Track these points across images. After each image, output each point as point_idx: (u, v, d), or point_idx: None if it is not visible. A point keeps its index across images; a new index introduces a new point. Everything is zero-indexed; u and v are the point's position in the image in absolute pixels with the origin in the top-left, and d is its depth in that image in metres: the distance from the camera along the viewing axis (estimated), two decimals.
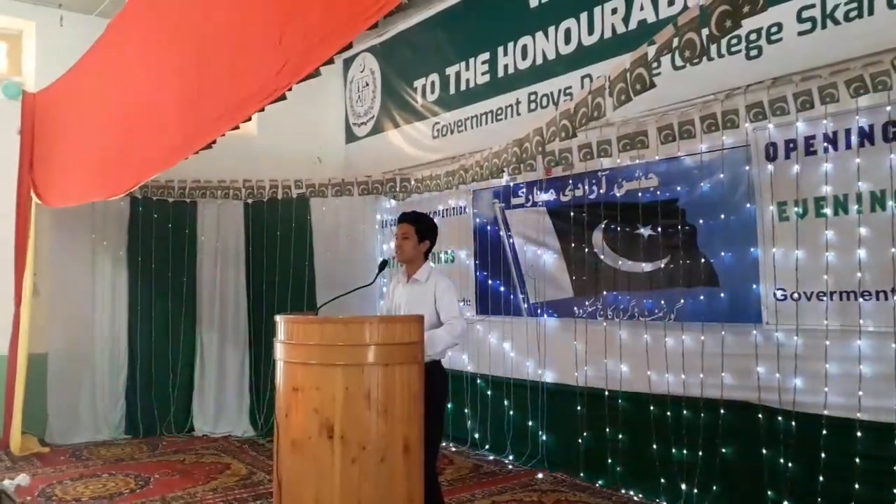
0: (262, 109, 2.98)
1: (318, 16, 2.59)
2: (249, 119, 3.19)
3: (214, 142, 3.58)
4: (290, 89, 2.75)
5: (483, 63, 6.27)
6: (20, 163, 6.31)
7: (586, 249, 5.26)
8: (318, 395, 3.06)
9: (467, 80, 6.45)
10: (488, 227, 6.13)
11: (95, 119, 5.10)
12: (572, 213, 5.36)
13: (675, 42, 2.94)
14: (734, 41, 4.37)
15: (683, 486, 4.53)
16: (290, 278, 7.19)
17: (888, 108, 3.70)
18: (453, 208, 6.55)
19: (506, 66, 6.05)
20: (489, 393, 6.05)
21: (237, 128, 3.27)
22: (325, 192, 6.86)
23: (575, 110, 3.78)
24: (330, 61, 2.61)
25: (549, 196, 5.58)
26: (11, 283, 6.18)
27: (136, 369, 6.79)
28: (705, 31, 2.72)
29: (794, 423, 4.02)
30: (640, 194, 4.91)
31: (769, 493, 4.12)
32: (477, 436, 6.11)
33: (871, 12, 3.77)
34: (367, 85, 7.83)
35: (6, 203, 6.25)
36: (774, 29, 4.19)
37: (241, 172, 6.91)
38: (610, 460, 5.02)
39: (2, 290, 6.16)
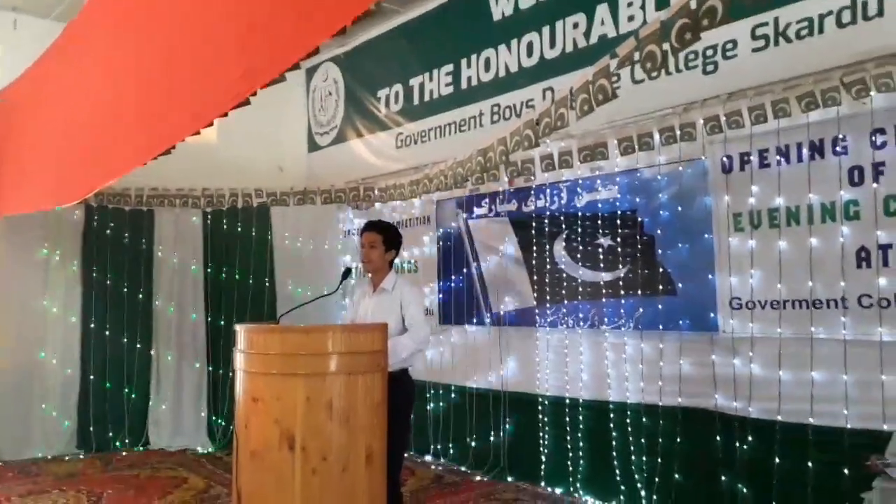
0: (226, 115, 2.94)
1: (284, 20, 2.57)
2: (211, 125, 3.15)
3: (173, 147, 3.51)
4: (254, 94, 2.72)
5: (447, 74, 6.31)
6: None
7: (547, 259, 5.31)
8: (279, 406, 3.03)
9: (431, 91, 6.49)
10: (451, 237, 6.14)
11: (49, 124, 4.97)
12: (534, 224, 5.41)
13: (637, 55, 3.01)
14: (691, 56, 4.49)
15: (643, 493, 4.59)
16: (250, 289, 7.08)
17: (837, 123, 3.83)
18: (417, 218, 6.55)
19: (469, 78, 6.11)
20: (451, 402, 6.04)
21: (197, 133, 3.22)
22: (287, 200, 6.80)
23: (538, 120, 3.83)
24: (296, 66, 2.59)
25: (511, 206, 5.63)
26: None
27: (88, 383, 6.56)
28: (666, 45, 2.79)
29: (749, 430, 4.11)
30: (599, 205, 4.99)
31: (726, 499, 4.19)
32: (439, 446, 6.09)
33: (821, 31, 3.92)
34: (330, 94, 7.80)
35: None
36: (730, 45, 4.32)
37: (200, 180, 6.80)
38: (571, 468, 5.06)
39: None
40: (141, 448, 6.62)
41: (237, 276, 7.08)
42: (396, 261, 4.11)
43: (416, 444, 6.18)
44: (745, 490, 4.12)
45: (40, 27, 6.45)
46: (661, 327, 4.59)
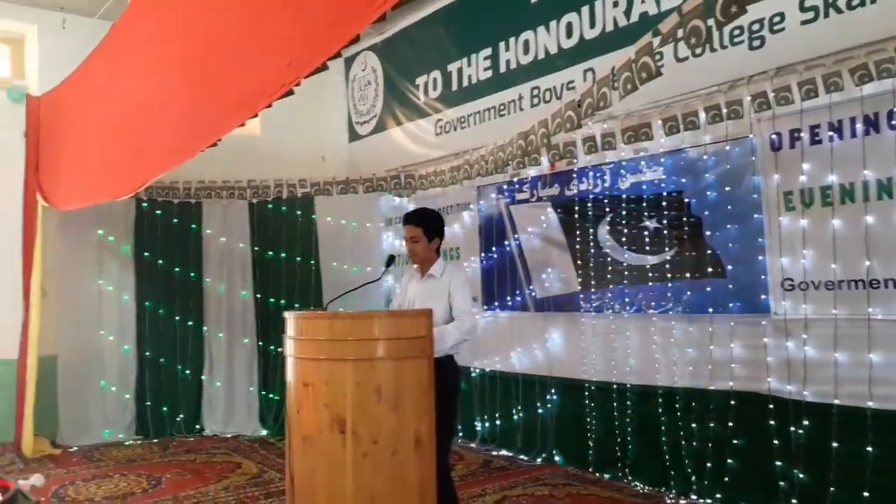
0: (270, 106, 2.98)
1: (325, 9, 2.59)
2: (256, 116, 3.20)
3: (220, 140, 3.58)
4: (297, 84, 2.76)
5: (485, 59, 6.27)
6: (26, 165, 6.34)
7: (592, 243, 5.26)
8: (329, 391, 3.07)
9: (469, 77, 6.46)
10: (493, 223, 6.13)
11: (101, 120, 5.12)
12: (577, 207, 5.36)
13: (680, 31, 2.94)
14: (737, 31, 4.37)
15: (693, 478, 4.53)
16: (296, 277, 7.22)
17: (893, 96, 3.69)
18: (458, 204, 6.56)
19: (507, 62, 6.06)
20: (497, 388, 6.05)
21: (243, 125, 3.28)
22: (330, 190, 6.88)
23: (580, 102, 3.79)
24: (337, 55, 2.61)
25: (553, 190, 5.59)
26: (19, 285, 6.20)
27: (144, 371, 6.81)
28: (710, 19, 2.72)
29: (804, 414, 4.02)
30: (644, 187, 4.92)
31: (780, 483, 4.12)
32: (486, 431, 6.11)
33: (873, 0, 3.76)
34: (370, 83, 7.84)
35: (13, 206, 6.27)
36: (777, 18, 4.19)
37: (245, 173, 6.93)
38: (619, 453, 5.03)
39: (10, 292, 6.17)
40: (196, 433, 6.82)
41: (284, 265, 7.21)
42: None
43: (462, 430, 6.22)
44: (800, 475, 4.03)
45: (87, 26, 6.63)
46: (710, 310, 4.50)
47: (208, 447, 6.35)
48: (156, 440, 6.59)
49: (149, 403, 6.77)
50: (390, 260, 4.13)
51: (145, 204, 6.89)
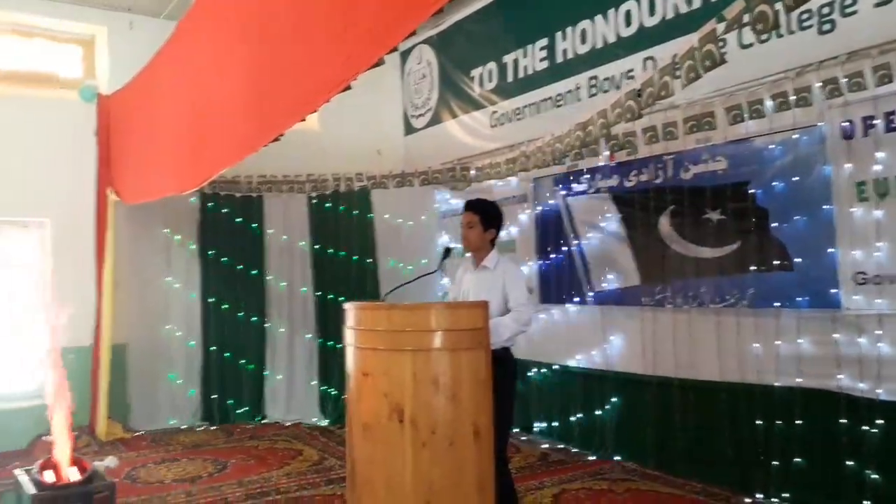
0: (328, 101, 3.03)
1: (381, 5, 2.61)
2: (315, 111, 3.25)
3: (281, 136, 3.66)
4: (355, 79, 2.79)
5: (541, 49, 6.22)
6: (98, 162, 6.61)
7: (653, 236, 5.16)
8: (387, 380, 3.11)
9: (525, 67, 6.42)
10: (550, 215, 6.08)
11: (167, 117, 5.29)
12: (638, 199, 5.26)
13: (746, 17, 2.85)
14: (805, 16, 4.20)
15: (758, 476, 4.41)
16: (354, 268, 7.33)
17: None
18: (514, 197, 6.53)
19: (564, 52, 5.99)
20: (555, 382, 6.02)
21: (303, 120, 3.34)
22: (387, 183, 6.94)
23: (640, 91, 3.71)
24: (394, 49, 2.63)
25: (613, 182, 5.50)
26: (93, 276, 6.49)
27: (209, 359, 7.04)
28: (778, 4, 2.62)
29: (877, 413, 3.86)
30: (707, 178, 4.79)
31: (851, 483, 3.97)
32: (544, 424, 6.09)
33: None
34: (424, 77, 7.87)
35: (87, 200, 6.55)
36: (849, 1, 4.01)
37: (304, 167, 7.06)
38: (680, 449, 4.93)
39: (86, 282, 6.46)
40: (259, 421, 7.01)
41: (341, 259, 7.33)
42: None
43: (519, 423, 6.21)
44: (873, 476, 3.88)
45: (153, 26, 6.85)
46: (776, 304, 4.36)
47: (270, 434, 6.53)
48: (220, 426, 6.82)
49: (214, 396, 6.99)
50: (446, 252, 4.15)
51: (210, 204, 7.10)
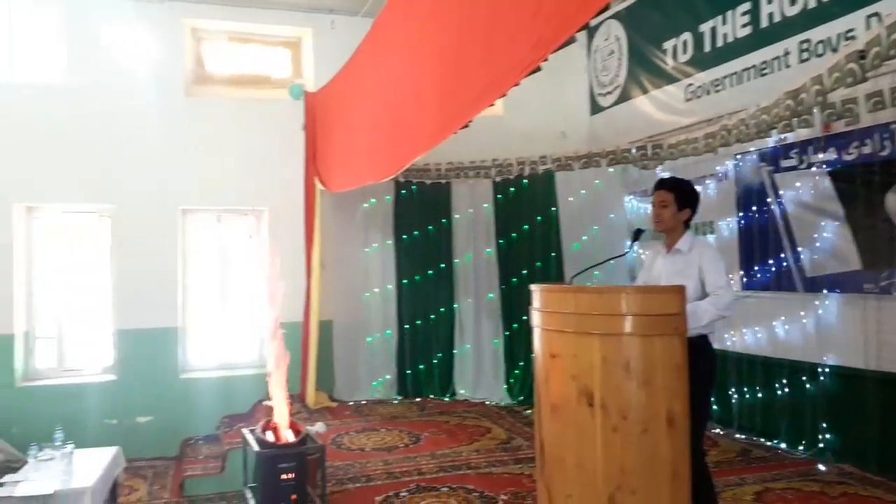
0: (518, 84, 3.04)
1: None
2: (504, 96, 3.28)
3: (471, 122, 3.74)
4: (546, 59, 2.77)
5: (743, 14, 5.74)
6: (305, 155, 7.22)
7: (877, 215, 4.58)
8: (576, 363, 3.07)
9: (725, 35, 5.97)
10: (753, 194, 5.62)
11: (365, 110, 5.64)
12: (859, 174, 4.69)
13: None
14: None
15: None
16: (538, 251, 7.36)
17: None
18: (712, 174, 6.12)
19: (770, 15, 5.48)
20: (758, 374, 5.59)
21: (492, 105, 3.39)
22: (572, 165, 6.84)
23: (864, 52, 3.30)
24: (585, 26, 2.57)
25: (828, 156, 4.95)
26: (303, 258, 7.13)
27: (403, 337, 7.47)
28: None
29: None
30: None
31: None
32: (744, 418, 5.69)
33: None
34: (612, 53, 7.62)
35: (296, 190, 7.19)
36: None
37: (489, 152, 7.18)
38: None
39: (296, 264, 7.11)
40: (449, 397, 7.30)
41: (527, 241, 7.39)
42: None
43: (717, 415, 5.87)
44: None
45: (353, 24, 7.31)
46: None
47: (460, 410, 6.78)
48: (414, 400, 7.21)
49: (408, 371, 7.41)
50: (637, 233, 3.99)
51: (403, 191, 7.51)
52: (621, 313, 3.03)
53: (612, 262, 4.25)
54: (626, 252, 4.29)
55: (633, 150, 6.49)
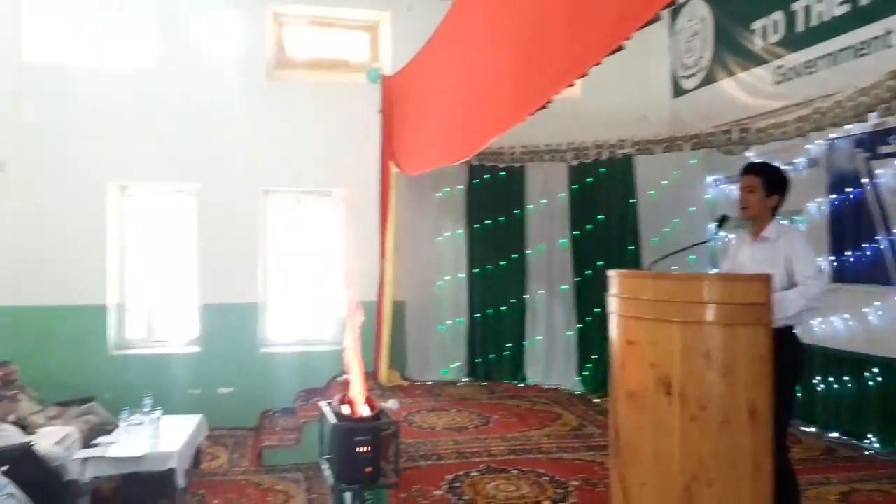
0: (599, 63, 2.98)
1: None
2: (585, 75, 3.21)
3: (549, 103, 3.68)
4: (629, 38, 2.70)
5: None
6: (381, 138, 7.30)
7: None
8: (654, 350, 3.02)
9: (820, 14, 5.66)
10: (848, 182, 5.33)
11: (440, 92, 5.65)
12: None
13: None
14: None
15: None
16: (613, 238, 7.23)
17: None
18: (802, 161, 5.84)
19: None
20: (846, 370, 5.33)
21: (572, 85, 3.33)
22: (653, 149, 6.65)
23: None
24: (670, 4, 2.49)
25: None
26: (377, 239, 7.24)
27: (474, 319, 7.49)
28: None
29: None
30: None
31: None
32: (830, 415, 5.45)
33: None
34: (697, 34, 7.35)
35: (372, 173, 7.28)
36: None
37: (566, 136, 7.07)
38: None
39: (371, 245, 7.22)
40: (519, 381, 7.30)
41: (602, 227, 7.26)
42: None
43: (801, 411, 5.64)
44: None
45: (431, 6, 7.27)
46: None
47: (530, 395, 6.77)
48: (484, 383, 7.23)
49: (478, 354, 7.43)
50: (722, 219, 3.86)
51: (476, 174, 7.47)
52: (702, 301, 2.96)
53: (692, 251, 4.14)
54: (709, 240, 4.15)
55: (719, 134, 6.26)
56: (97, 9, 7.17)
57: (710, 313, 2.93)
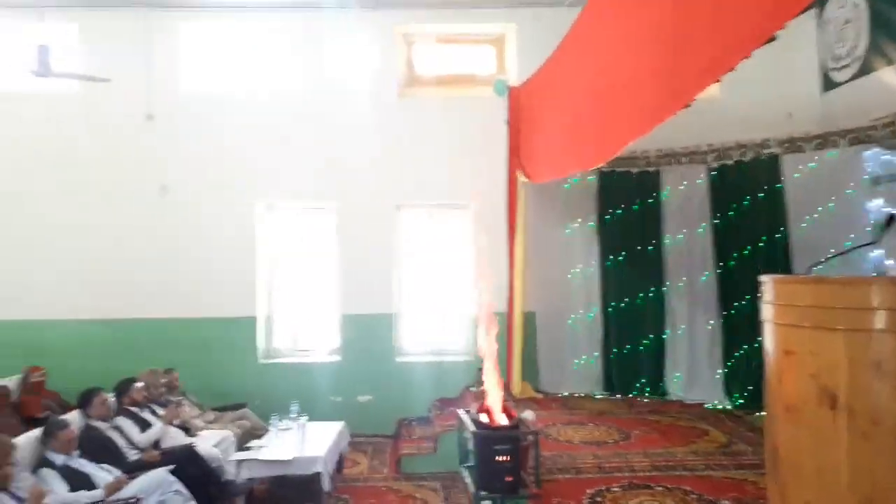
0: (748, 57, 2.82)
1: None
2: (733, 69, 3.05)
3: (692, 101, 3.52)
4: (783, 27, 2.53)
5: None
6: (508, 148, 7.32)
7: None
8: (815, 361, 2.79)
9: None
10: None
11: (572, 99, 5.57)
12: None
13: None
14: None
15: None
16: (760, 242, 6.76)
17: None
18: None
19: None
20: None
21: (717, 81, 3.17)
22: (803, 147, 6.22)
23: None
24: None
25: None
26: (506, 250, 7.24)
27: (609, 330, 7.28)
28: None
29: None
30: None
31: None
32: None
33: None
34: (849, 22, 6.78)
35: (498, 184, 7.29)
36: None
37: (704, 137, 6.77)
38: None
39: (500, 256, 7.21)
40: (660, 395, 7.01)
41: (746, 228, 6.83)
42: None
43: None
44: None
45: (558, 15, 7.19)
46: None
47: (672, 411, 6.46)
48: (621, 397, 7.00)
49: (614, 368, 7.20)
50: (890, 220, 3.52)
51: (607, 181, 7.30)
52: (871, 307, 2.71)
53: (852, 252, 3.78)
54: (874, 242, 3.79)
55: (880, 128, 5.73)
56: (247, 40, 7.75)
57: (880, 320, 2.68)
